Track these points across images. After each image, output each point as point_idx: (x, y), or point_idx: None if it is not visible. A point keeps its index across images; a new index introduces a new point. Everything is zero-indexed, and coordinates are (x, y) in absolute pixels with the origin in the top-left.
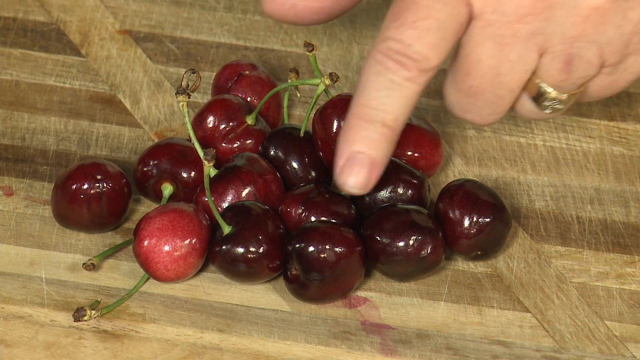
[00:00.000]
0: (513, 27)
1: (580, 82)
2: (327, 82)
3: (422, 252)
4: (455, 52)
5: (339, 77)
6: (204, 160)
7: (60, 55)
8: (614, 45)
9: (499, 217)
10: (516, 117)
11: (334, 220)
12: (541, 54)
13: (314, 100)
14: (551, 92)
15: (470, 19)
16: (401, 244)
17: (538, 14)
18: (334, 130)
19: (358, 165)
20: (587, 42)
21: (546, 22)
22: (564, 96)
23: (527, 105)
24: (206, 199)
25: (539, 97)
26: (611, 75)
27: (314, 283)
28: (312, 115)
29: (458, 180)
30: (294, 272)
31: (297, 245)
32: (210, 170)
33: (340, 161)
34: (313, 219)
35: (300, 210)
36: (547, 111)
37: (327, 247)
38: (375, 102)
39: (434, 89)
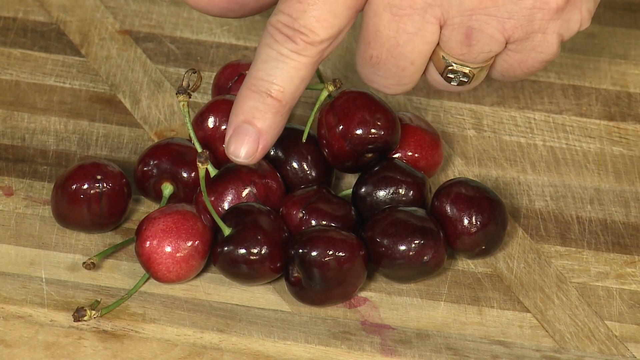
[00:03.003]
0: None
1: (484, 57)
2: (331, 88)
3: (425, 257)
4: (361, 22)
5: (342, 83)
6: (197, 162)
7: (60, 55)
8: (516, 19)
9: (497, 210)
10: (517, 122)
11: (334, 225)
12: (441, 27)
13: (317, 107)
14: (454, 65)
15: None
16: (403, 248)
17: None
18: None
19: (243, 135)
20: (486, 16)
21: None
22: (467, 69)
23: (435, 77)
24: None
25: (444, 70)
26: (518, 53)
27: (316, 288)
28: (314, 117)
29: (449, 180)
30: (296, 275)
31: (301, 251)
32: (204, 172)
33: (229, 131)
34: (313, 222)
35: (301, 215)
36: (454, 83)
37: (330, 253)
38: (262, 74)
39: (434, 88)
